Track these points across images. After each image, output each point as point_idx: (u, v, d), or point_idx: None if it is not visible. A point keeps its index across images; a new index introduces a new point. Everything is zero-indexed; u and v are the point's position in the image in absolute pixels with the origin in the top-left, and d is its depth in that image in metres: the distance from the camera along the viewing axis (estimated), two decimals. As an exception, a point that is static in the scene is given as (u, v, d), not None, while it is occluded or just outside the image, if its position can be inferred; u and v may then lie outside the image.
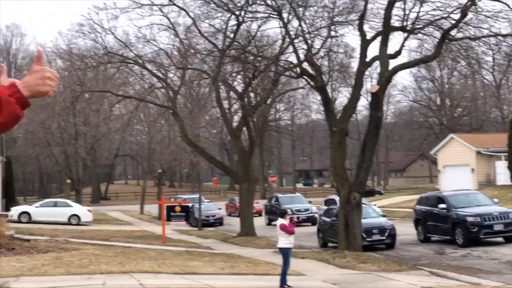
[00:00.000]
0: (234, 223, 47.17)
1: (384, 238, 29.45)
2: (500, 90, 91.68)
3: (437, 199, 31.13)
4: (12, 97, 3.05)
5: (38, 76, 3.16)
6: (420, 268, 22.23)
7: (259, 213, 51.61)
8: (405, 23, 28.17)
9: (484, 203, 29.87)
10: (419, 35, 29.93)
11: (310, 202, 49.15)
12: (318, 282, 18.75)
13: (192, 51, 37.76)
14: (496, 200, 31.51)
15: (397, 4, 27.70)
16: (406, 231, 33.27)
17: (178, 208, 35.78)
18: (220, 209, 52.90)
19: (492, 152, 58.05)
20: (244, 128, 39.97)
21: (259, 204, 55.38)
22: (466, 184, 49.95)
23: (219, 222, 50.15)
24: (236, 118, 60.08)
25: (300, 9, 30.55)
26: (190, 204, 42.61)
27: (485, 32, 28.73)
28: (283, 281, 17.14)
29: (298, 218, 39.79)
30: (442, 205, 29.68)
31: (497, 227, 27.94)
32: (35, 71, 3.17)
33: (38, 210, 48.46)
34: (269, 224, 45.72)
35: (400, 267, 22.01)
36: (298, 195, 52.17)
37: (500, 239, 28.47)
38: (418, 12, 28.11)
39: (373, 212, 32.32)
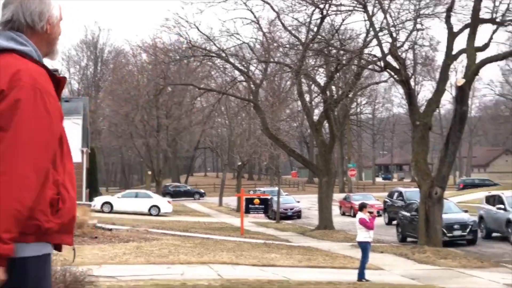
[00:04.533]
0: (311, 216, 46.90)
1: (465, 234, 28.96)
2: None
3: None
4: None
5: None
6: (503, 265, 21.69)
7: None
8: (494, 15, 27.50)
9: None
10: (509, 27, 29.06)
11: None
12: (397, 277, 18.53)
13: (275, 44, 37.79)
14: None
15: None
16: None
17: (257, 201, 35.91)
18: (298, 202, 52.64)
19: None
20: (325, 122, 39.80)
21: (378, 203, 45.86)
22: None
23: (297, 215, 50.04)
24: (317, 111, 60.07)
25: (386, 1, 30.18)
26: (269, 197, 42.56)
27: None
28: (361, 275, 17.00)
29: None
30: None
31: None
32: None
33: (119, 200, 49.25)
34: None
35: (481, 264, 21.57)
36: None
37: None
38: (509, 4, 27.42)
39: (454, 207, 31.59)
